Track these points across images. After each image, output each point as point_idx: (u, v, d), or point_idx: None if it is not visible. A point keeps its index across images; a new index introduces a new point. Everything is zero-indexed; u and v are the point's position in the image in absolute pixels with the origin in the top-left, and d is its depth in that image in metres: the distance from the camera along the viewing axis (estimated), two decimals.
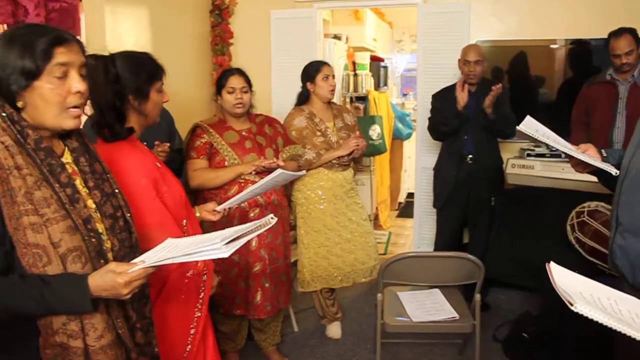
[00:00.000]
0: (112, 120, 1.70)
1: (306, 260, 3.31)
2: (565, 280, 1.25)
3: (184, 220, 1.80)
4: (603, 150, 1.94)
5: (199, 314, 1.76)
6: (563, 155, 3.92)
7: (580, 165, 1.90)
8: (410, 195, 7.05)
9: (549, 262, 1.35)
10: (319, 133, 3.23)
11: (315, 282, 3.33)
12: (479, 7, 4.32)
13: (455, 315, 2.74)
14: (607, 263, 2.68)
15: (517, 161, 3.87)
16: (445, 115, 3.59)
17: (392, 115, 6.11)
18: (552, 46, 4.31)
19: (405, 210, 6.75)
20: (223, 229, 2.71)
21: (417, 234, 4.84)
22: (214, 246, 1.25)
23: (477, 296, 2.74)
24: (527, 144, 4.35)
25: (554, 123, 4.29)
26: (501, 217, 3.83)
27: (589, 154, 1.83)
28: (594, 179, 3.43)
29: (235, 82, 2.81)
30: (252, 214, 2.81)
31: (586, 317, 2.69)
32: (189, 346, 1.73)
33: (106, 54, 1.72)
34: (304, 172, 2.89)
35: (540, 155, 4.06)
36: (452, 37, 4.24)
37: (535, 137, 1.85)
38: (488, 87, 3.46)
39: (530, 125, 1.87)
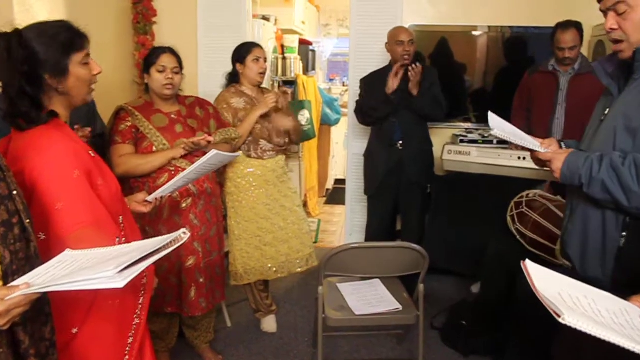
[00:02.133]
0: (26, 108, 1.44)
1: (238, 252, 3.13)
2: (544, 283, 1.17)
3: (120, 217, 1.57)
4: (563, 144, 1.90)
5: (138, 321, 1.54)
6: (495, 142, 4.05)
7: (541, 160, 1.87)
8: (338, 181, 7.01)
9: (524, 260, 1.27)
10: None
11: (249, 274, 3.16)
12: None
13: (399, 306, 2.66)
14: (548, 254, 2.71)
15: (453, 147, 3.85)
16: (375, 101, 3.51)
17: (320, 100, 5.99)
18: (473, 33, 4.33)
19: (334, 196, 6.68)
20: (153, 220, 2.55)
21: (349, 221, 4.77)
22: (106, 274, 1.05)
23: (421, 286, 2.66)
24: (460, 130, 4.36)
25: (479, 110, 4.43)
26: (437, 203, 3.81)
27: (552, 149, 1.79)
28: (529, 165, 3.48)
29: (166, 60, 2.57)
30: (184, 205, 2.61)
31: (525, 304, 2.67)
32: (127, 357, 1.51)
33: (10, 29, 1.44)
34: (239, 153, 2.71)
35: (474, 142, 4.06)
36: (385, 22, 4.15)
37: (505, 138, 1.80)
38: (424, 72, 3.41)
39: (499, 125, 1.83)
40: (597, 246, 1.68)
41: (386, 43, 3.57)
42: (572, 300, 1.14)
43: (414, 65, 3.32)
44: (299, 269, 3.25)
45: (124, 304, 1.50)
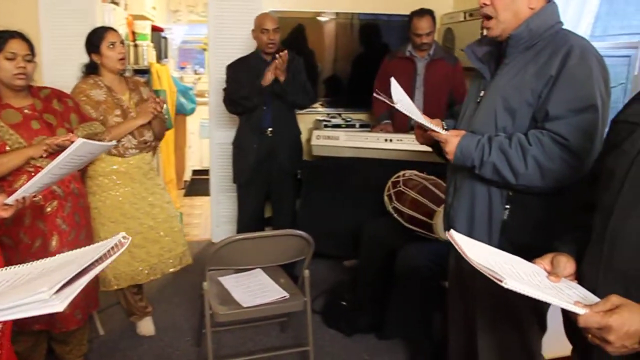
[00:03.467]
0: None
1: None
2: (473, 252, 1.21)
3: None
4: (444, 123, 2.00)
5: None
6: (357, 125, 4.18)
7: (422, 137, 1.95)
8: (197, 172, 6.83)
9: (448, 230, 1.30)
10: (118, 111, 2.83)
11: (119, 279, 2.93)
12: None
13: (286, 294, 2.66)
14: (426, 229, 2.86)
15: (321, 132, 3.92)
16: (246, 91, 3.46)
17: (175, 89, 5.75)
18: (321, 19, 4.43)
19: (193, 188, 6.50)
20: (10, 229, 2.26)
21: (215, 213, 4.67)
22: (40, 296, 0.91)
23: (307, 272, 2.68)
24: (321, 115, 4.44)
25: (333, 95, 4.56)
26: (307, 188, 3.85)
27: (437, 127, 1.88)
28: (397, 147, 3.65)
29: (16, 46, 2.28)
30: (49, 209, 2.36)
31: (404, 278, 2.80)
32: None
33: None
34: (114, 142, 2.50)
35: (337, 126, 4.17)
36: (245, 7, 4.10)
37: (407, 113, 1.84)
38: (290, 60, 3.42)
39: (401, 99, 1.90)
40: (483, 219, 1.81)
41: (252, 30, 3.52)
42: (499, 267, 1.19)
43: (280, 53, 3.31)
44: (172, 269, 3.08)
45: None
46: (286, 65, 3.36)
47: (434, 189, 2.88)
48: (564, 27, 1.80)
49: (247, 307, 2.57)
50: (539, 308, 1.86)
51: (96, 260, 1.03)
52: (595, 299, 1.11)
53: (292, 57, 3.49)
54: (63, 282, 0.93)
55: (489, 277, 1.10)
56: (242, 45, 3.99)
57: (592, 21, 2.95)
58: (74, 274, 0.96)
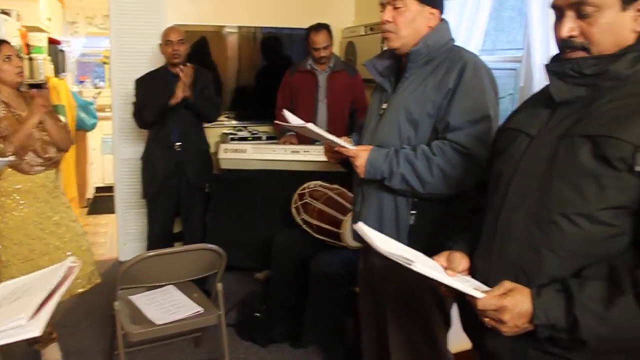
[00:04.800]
0: None
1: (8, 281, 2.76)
2: (381, 243, 1.29)
3: None
4: (351, 138, 2.10)
5: None
6: (264, 137, 4.24)
7: (332, 157, 2.04)
8: (100, 189, 6.59)
9: (355, 223, 1.38)
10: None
11: None
12: None
13: (200, 309, 2.65)
14: (335, 238, 2.95)
15: (228, 146, 3.94)
16: (156, 106, 3.45)
17: (74, 104, 5.55)
18: (225, 32, 4.48)
19: (96, 206, 6.27)
20: None
21: (122, 230, 4.54)
22: (18, 322, 0.96)
23: (219, 285, 2.69)
24: (227, 128, 4.46)
25: (238, 108, 4.59)
26: (217, 202, 3.85)
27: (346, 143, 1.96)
28: (304, 158, 3.74)
29: None
30: None
31: (318, 287, 2.88)
32: None
33: None
34: (12, 157, 2.39)
35: (244, 139, 4.20)
36: (149, 21, 4.05)
37: (313, 137, 1.93)
38: (197, 75, 3.47)
39: (296, 119, 1.96)
40: (391, 226, 1.91)
41: (159, 44, 3.51)
42: (407, 254, 1.28)
43: (182, 67, 3.34)
44: (81, 289, 2.96)
45: None
46: (192, 81, 3.38)
47: (339, 198, 2.98)
48: (455, 43, 1.96)
49: (161, 324, 2.53)
50: (444, 305, 1.98)
51: (59, 283, 1.03)
52: (488, 289, 1.23)
53: (198, 72, 3.50)
54: (36, 307, 0.95)
55: (398, 262, 1.19)
56: (146, 58, 3.95)
57: (482, 36, 3.18)
58: (42, 298, 0.96)
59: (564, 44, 1.22)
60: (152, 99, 3.47)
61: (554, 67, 1.25)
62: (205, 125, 4.06)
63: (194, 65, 3.57)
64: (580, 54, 1.19)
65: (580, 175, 1.15)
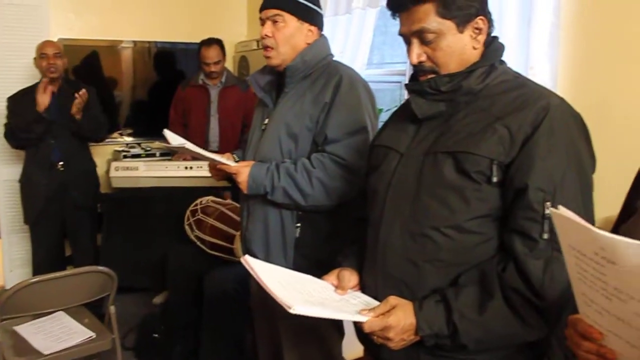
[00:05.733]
0: None
1: None
2: (267, 276, 1.32)
3: None
4: (235, 155, 2.12)
5: None
6: (158, 154, 4.17)
7: (216, 175, 2.05)
8: None
9: (243, 256, 1.40)
10: None
11: None
12: (59, 3, 4.07)
13: (92, 334, 2.57)
14: (228, 254, 2.95)
15: (120, 163, 3.84)
16: (24, 121, 3.31)
17: None
18: (120, 47, 4.38)
19: None
20: None
21: (7, 257, 4.28)
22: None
23: (112, 308, 2.62)
24: (120, 145, 4.34)
25: (133, 124, 4.49)
26: (109, 222, 3.74)
27: (227, 161, 1.99)
28: (197, 173, 3.72)
29: None
30: None
31: (214, 304, 2.87)
32: None
33: None
34: None
35: (137, 156, 4.11)
36: (30, 35, 3.87)
37: (185, 146, 1.92)
38: (71, 89, 3.36)
39: (175, 139, 1.96)
40: (277, 239, 1.95)
41: (34, 58, 3.37)
42: (290, 289, 1.32)
43: (79, 92, 3.24)
44: None
45: None
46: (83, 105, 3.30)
47: (231, 213, 2.99)
48: (343, 58, 2.03)
49: (50, 353, 2.42)
50: None
51: None
52: (377, 303, 1.29)
53: (79, 88, 3.38)
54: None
55: (279, 304, 1.21)
56: (24, 75, 3.77)
57: (368, 51, 3.32)
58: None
59: (416, 68, 1.31)
60: (24, 116, 3.32)
61: (413, 86, 1.33)
62: (95, 144, 3.95)
63: (75, 80, 3.47)
64: (431, 76, 1.28)
65: (446, 189, 1.23)
